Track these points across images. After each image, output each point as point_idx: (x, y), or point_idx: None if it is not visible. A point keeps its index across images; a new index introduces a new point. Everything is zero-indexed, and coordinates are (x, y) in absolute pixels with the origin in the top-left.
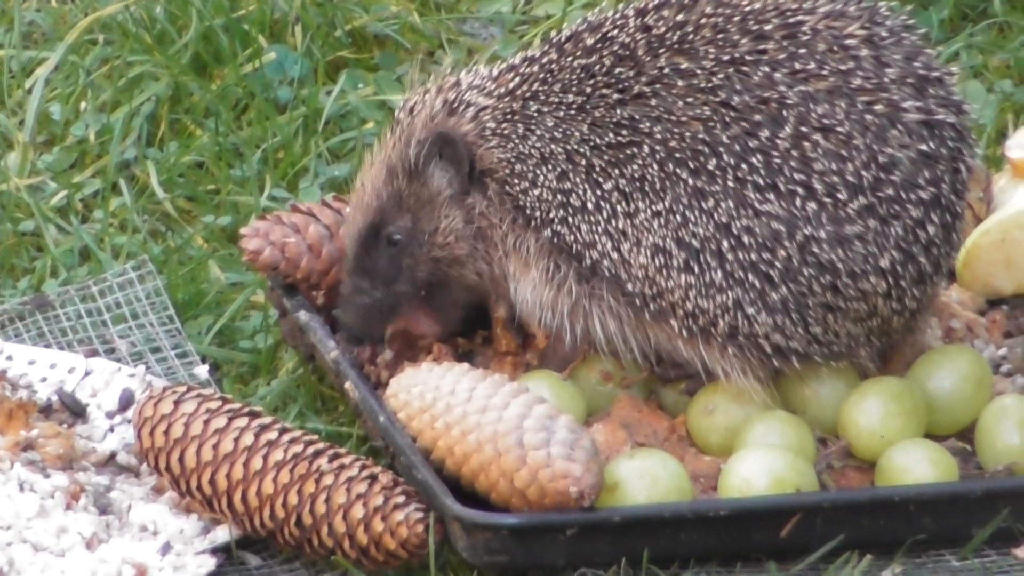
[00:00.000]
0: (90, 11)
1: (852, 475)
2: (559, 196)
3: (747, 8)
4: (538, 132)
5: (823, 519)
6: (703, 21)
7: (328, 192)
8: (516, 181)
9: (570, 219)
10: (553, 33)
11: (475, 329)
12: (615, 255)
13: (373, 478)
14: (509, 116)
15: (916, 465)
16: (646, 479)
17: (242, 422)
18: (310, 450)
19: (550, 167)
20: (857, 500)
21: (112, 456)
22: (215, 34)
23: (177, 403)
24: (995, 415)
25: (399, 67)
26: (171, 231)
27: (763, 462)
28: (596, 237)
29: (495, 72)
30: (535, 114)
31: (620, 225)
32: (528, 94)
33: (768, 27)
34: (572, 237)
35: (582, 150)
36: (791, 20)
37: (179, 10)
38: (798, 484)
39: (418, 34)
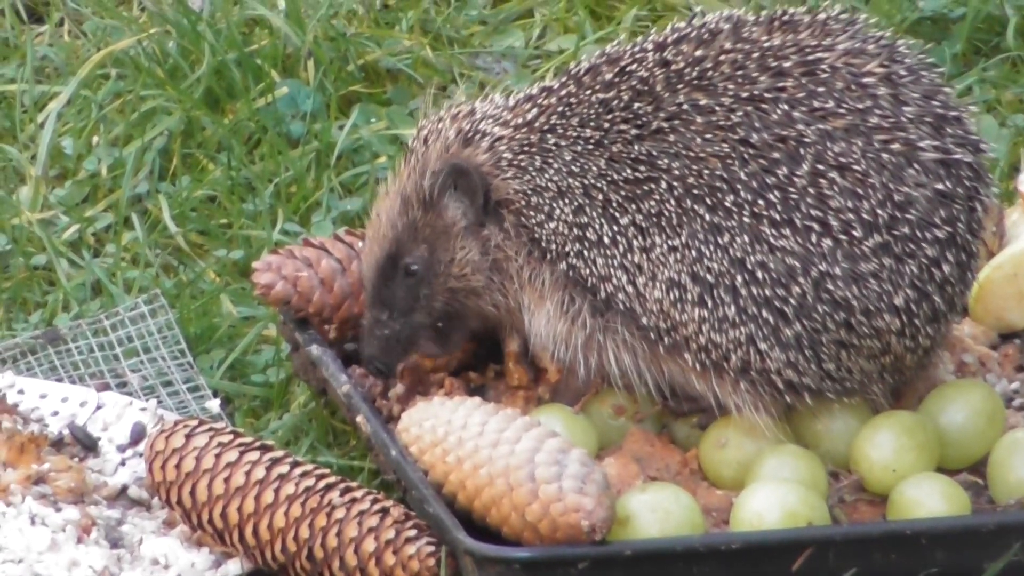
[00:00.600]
0: (103, 46)
1: (864, 509)
2: (575, 230)
3: (766, 44)
4: (555, 165)
5: (835, 553)
6: (722, 57)
7: (340, 226)
8: (532, 213)
9: (586, 252)
10: (572, 64)
11: (487, 363)
12: (630, 288)
13: (385, 512)
14: (526, 148)
15: (928, 499)
16: (658, 513)
17: (254, 456)
18: (322, 484)
19: (567, 201)
20: (869, 534)
21: (123, 490)
22: (227, 69)
23: (189, 437)
24: (1007, 449)
25: (412, 101)
26: (183, 265)
27: (775, 496)
28: (611, 271)
29: (512, 102)
30: (553, 147)
31: (636, 259)
32: (546, 127)
33: (787, 64)
34: (588, 270)
35: (599, 185)
36: (810, 57)
37: (192, 45)
38: (810, 518)
39: (431, 68)
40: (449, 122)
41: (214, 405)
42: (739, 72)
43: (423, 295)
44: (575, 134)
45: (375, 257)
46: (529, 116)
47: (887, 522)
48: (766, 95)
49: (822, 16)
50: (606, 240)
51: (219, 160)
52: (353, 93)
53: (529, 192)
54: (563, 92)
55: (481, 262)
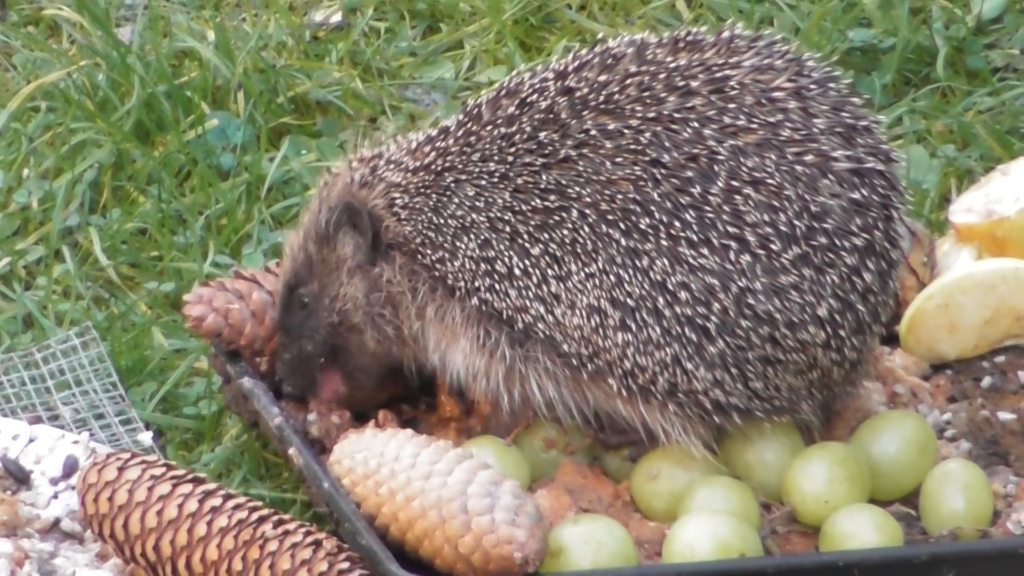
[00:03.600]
0: (33, 78)
1: (796, 540)
2: (483, 264)
3: (672, 65)
4: (456, 201)
5: None
6: (628, 80)
7: (271, 258)
8: (429, 252)
9: (497, 286)
10: (469, 101)
11: (419, 395)
12: (549, 317)
13: (317, 544)
14: (423, 190)
15: (860, 530)
16: (591, 545)
17: (186, 488)
18: (254, 516)
19: (471, 236)
20: (802, 565)
21: (56, 523)
22: (157, 101)
23: (121, 470)
24: (939, 480)
25: (342, 133)
26: (114, 298)
27: (707, 527)
28: (527, 302)
29: (413, 145)
30: (452, 185)
31: (552, 289)
32: (443, 166)
33: (695, 83)
34: (501, 303)
35: (505, 217)
36: (717, 75)
37: (121, 77)
38: (742, 549)
39: (360, 100)
40: (357, 164)
41: (146, 438)
42: (646, 93)
43: (310, 326)
44: (477, 170)
45: (281, 284)
46: (428, 159)
47: (819, 553)
48: (675, 114)
49: (726, 35)
50: (517, 271)
51: (149, 192)
52: (283, 125)
53: (425, 231)
54: (460, 131)
55: (364, 300)
